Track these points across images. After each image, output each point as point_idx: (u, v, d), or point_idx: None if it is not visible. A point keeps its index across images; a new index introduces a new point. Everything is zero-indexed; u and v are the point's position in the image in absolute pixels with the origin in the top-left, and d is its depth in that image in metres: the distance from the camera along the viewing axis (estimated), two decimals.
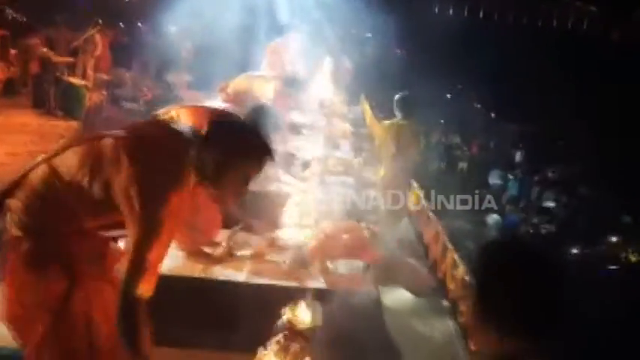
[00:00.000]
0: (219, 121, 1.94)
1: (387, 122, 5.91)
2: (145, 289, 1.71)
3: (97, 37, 9.57)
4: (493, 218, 9.47)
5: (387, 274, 3.89)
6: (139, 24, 12.29)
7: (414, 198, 5.58)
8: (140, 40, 10.88)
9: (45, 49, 9.67)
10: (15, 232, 1.81)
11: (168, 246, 1.80)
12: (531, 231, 8.87)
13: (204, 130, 1.89)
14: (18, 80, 10.07)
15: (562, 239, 8.27)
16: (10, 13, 11.51)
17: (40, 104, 9.04)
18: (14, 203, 1.84)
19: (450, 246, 4.24)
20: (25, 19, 11.47)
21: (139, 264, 1.69)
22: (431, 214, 5.05)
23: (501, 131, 13.33)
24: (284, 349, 2.17)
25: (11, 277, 1.81)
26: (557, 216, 9.17)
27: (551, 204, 9.60)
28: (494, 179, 11.47)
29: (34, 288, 1.80)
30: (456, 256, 4.05)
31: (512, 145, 12.47)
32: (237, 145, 1.89)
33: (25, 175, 1.88)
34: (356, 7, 8.01)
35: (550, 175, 10.97)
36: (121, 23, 11.18)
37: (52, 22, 9.95)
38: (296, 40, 6.54)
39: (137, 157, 1.76)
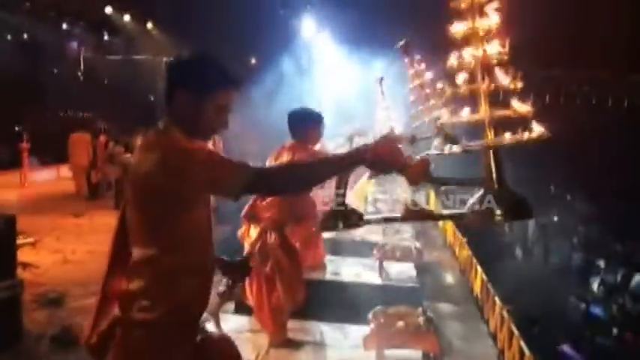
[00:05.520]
0: (177, 64, 1.96)
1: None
2: None
3: None
4: (576, 305, 8.92)
5: None
6: None
7: (478, 282, 5.39)
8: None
9: (128, 155, 10.54)
10: None
11: None
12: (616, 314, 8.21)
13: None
14: (102, 185, 10.96)
15: None
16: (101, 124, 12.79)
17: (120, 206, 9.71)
18: None
19: (516, 332, 4.02)
20: (106, 128, 12.63)
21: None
22: (497, 299, 4.83)
23: (577, 212, 12.76)
24: None
25: None
26: None
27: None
28: (579, 264, 10.88)
29: None
30: (522, 344, 3.82)
31: (588, 225, 11.86)
32: (202, 81, 1.89)
33: None
34: None
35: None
36: None
37: (134, 130, 10.93)
38: None
39: None
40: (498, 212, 2.34)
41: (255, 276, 3.57)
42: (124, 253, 1.90)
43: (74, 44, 19.67)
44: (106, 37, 18.93)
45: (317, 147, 3.99)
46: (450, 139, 2.82)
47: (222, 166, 1.79)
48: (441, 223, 8.07)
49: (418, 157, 2.08)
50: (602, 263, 10.19)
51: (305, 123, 3.71)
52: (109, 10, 16.49)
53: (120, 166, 10.35)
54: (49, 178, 13.53)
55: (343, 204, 2.54)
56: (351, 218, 2.55)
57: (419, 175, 2.07)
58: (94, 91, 19.08)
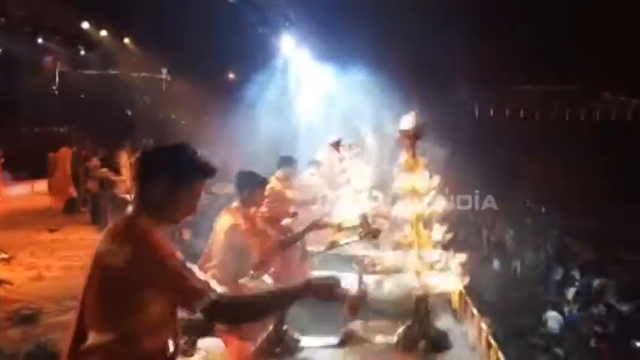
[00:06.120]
0: (150, 155, 2.03)
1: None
2: None
3: None
4: (553, 315, 9.04)
5: None
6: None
7: (457, 294, 5.42)
8: None
9: (104, 169, 10.42)
10: None
11: None
12: (596, 328, 8.34)
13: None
14: (78, 199, 10.81)
15: (628, 333, 7.75)
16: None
17: (98, 221, 9.58)
18: None
19: (494, 344, 4.04)
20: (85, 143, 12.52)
21: None
22: (475, 310, 4.87)
23: (554, 226, 12.98)
24: None
25: None
26: (620, 310, 8.65)
27: (612, 298, 9.08)
28: (555, 276, 11.03)
29: None
30: (500, 355, 3.85)
31: (563, 237, 12.09)
32: (179, 173, 1.94)
33: None
34: None
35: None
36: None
37: (115, 145, 10.88)
38: None
39: None
40: (421, 344, 2.92)
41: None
42: (84, 332, 1.88)
43: (50, 59, 19.44)
44: (82, 52, 18.73)
45: (291, 190, 4.30)
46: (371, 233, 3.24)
47: (188, 286, 1.84)
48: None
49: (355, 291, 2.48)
50: (577, 274, 10.38)
51: (249, 186, 3.80)
52: (85, 25, 16.35)
53: (96, 180, 10.23)
54: (23, 193, 13.33)
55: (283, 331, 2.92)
56: (289, 345, 3.00)
57: (356, 307, 2.47)
58: (70, 106, 18.89)
